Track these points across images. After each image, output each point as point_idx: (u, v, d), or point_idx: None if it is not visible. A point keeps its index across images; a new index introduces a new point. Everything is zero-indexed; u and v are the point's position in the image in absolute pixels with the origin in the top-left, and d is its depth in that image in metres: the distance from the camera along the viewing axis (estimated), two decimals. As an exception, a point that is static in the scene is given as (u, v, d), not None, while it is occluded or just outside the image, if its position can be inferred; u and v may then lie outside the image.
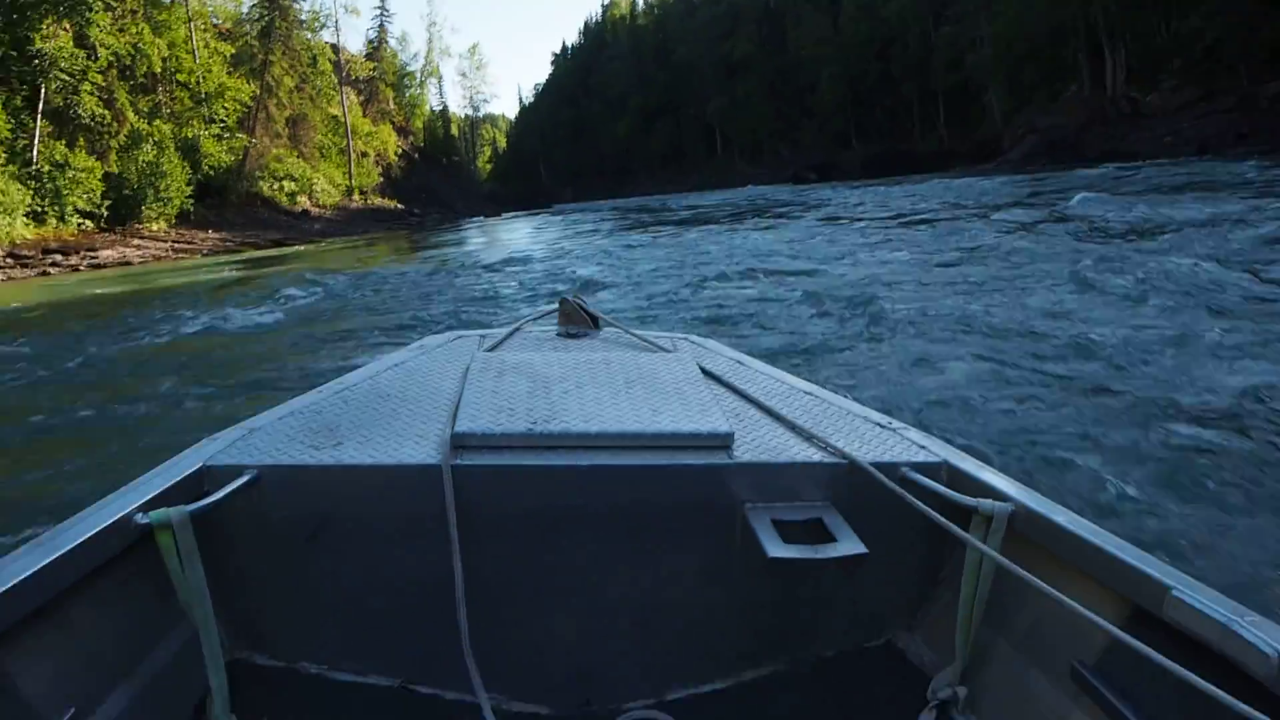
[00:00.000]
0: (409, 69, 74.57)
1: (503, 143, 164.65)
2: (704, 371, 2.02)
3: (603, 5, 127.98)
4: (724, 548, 1.63)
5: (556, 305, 2.52)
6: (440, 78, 79.67)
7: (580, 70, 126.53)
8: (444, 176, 72.41)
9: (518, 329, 2.41)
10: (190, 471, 1.53)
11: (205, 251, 33.76)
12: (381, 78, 64.55)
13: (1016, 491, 1.52)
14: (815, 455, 1.65)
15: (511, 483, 1.58)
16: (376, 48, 67.81)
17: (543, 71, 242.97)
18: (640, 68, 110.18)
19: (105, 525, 1.32)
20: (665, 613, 1.67)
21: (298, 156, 47.19)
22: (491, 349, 2.18)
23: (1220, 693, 0.97)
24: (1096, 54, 43.88)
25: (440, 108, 79.13)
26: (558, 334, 2.40)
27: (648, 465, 1.59)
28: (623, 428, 1.63)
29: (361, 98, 61.64)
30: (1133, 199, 16.19)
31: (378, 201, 54.63)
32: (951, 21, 61.25)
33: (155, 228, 34.69)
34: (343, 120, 54.19)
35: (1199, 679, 0.99)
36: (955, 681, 1.51)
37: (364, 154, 57.51)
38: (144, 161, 34.38)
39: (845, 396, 2.15)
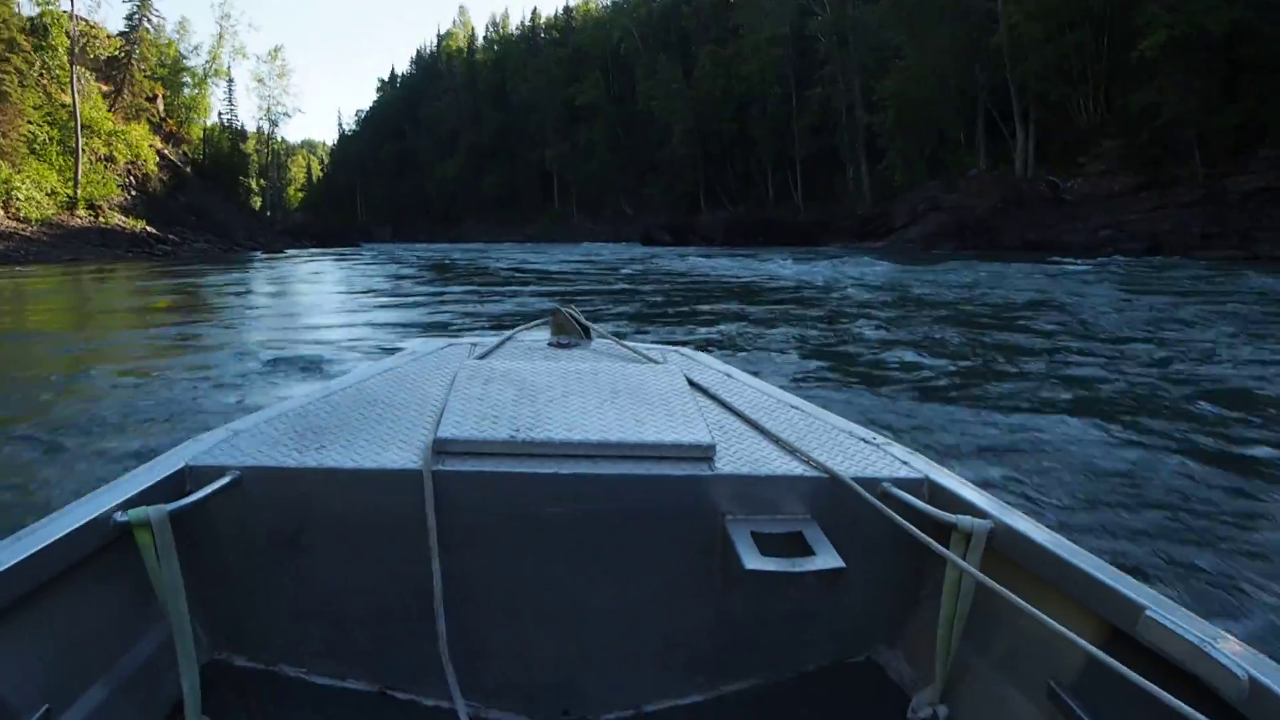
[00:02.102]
0: (187, 63, 61.58)
1: (318, 172, 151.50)
2: (691, 383, 2.03)
3: (438, 35, 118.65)
4: (704, 559, 1.62)
5: (550, 315, 2.52)
6: (231, 80, 66.38)
7: (409, 101, 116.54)
8: (224, 199, 59.93)
9: (509, 338, 2.47)
10: (172, 471, 1.53)
11: None
12: (139, 66, 51.24)
13: (996, 509, 1.54)
14: (797, 469, 1.66)
15: (492, 489, 1.58)
16: (135, 25, 54.08)
17: (367, 98, 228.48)
18: (475, 105, 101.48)
19: (84, 522, 1.31)
20: (645, 623, 1.67)
21: None
22: (481, 357, 2.21)
23: (1194, 713, 0.98)
24: (994, 130, 39.26)
25: (228, 118, 65.89)
26: (549, 344, 2.42)
27: (629, 475, 1.59)
28: (605, 437, 1.63)
29: (109, 87, 48.66)
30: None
31: (117, 221, 42.02)
32: (822, 84, 56.45)
33: None
34: (72, 111, 41.46)
35: (1172, 699, 1.00)
36: (936, 700, 1.50)
37: (109, 159, 44.74)
38: None
39: (831, 412, 2.06)
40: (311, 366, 7.11)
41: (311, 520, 1.58)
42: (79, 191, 39.86)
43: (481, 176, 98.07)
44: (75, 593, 1.32)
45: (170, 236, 43.20)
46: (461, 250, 50.10)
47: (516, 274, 22.85)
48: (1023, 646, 1.41)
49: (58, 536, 1.27)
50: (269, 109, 69.02)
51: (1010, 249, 29.65)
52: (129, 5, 52.83)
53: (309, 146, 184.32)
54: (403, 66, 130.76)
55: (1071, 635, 1.16)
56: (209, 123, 63.84)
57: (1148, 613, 1.15)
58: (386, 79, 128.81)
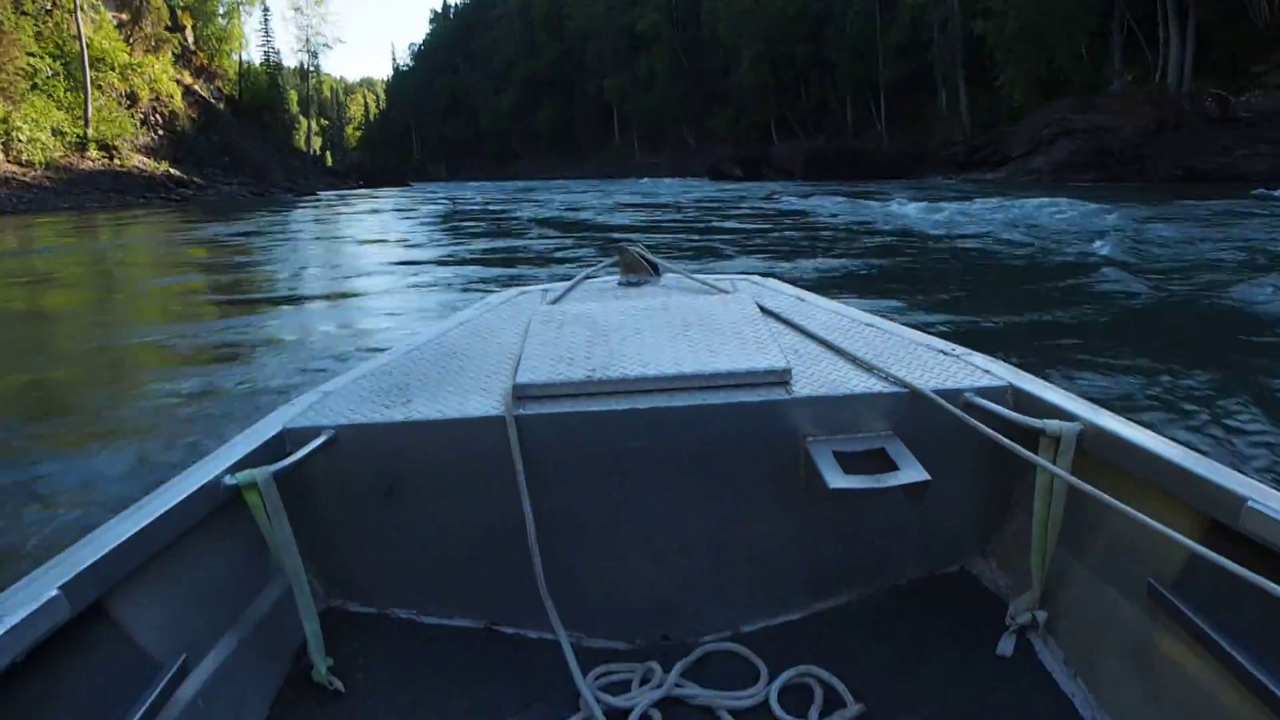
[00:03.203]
0: None
1: (375, 110, 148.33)
2: (763, 310, 2.03)
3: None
4: (788, 482, 1.64)
5: (617, 256, 2.55)
6: (267, 9, 61.82)
7: (461, 32, 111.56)
8: (262, 138, 56.25)
9: (579, 281, 2.48)
10: (271, 435, 1.59)
11: None
12: None
13: (1084, 411, 1.50)
14: (876, 386, 1.65)
15: (574, 429, 1.61)
16: None
17: (420, 30, 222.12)
18: (530, 34, 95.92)
19: (197, 488, 1.38)
20: (735, 548, 1.69)
21: None
22: (553, 302, 2.23)
23: None
24: (1131, 39, 32.77)
25: (265, 50, 61.36)
26: (619, 284, 2.44)
27: (706, 405, 1.60)
28: (680, 369, 1.65)
29: (126, 16, 44.24)
30: None
31: (136, 163, 38.48)
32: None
33: None
34: (73, 37, 37.33)
35: (1279, 589, 0.98)
36: (1033, 606, 1.50)
37: (130, 96, 41.06)
38: None
39: (908, 327, 2.03)
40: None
41: (405, 471, 1.63)
42: (89, 131, 36.23)
43: (537, 111, 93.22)
44: (197, 553, 1.39)
45: (195, 179, 39.63)
46: (507, 190, 45.67)
47: (557, 229, 18.24)
48: (1120, 547, 1.39)
49: (177, 500, 1.33)
50: (308, 39, 64.31)
51: (1168, 179, 24.07)
52: None
53: (368, 84, 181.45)
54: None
55: (1170, 532, 1.12)
56: (243, 56, 59.57)
57: (1250, 504, 1.12)
58: (440, 9, 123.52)
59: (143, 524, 1.26)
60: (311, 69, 67.00)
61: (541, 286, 2.52)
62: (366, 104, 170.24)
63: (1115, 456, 1.40)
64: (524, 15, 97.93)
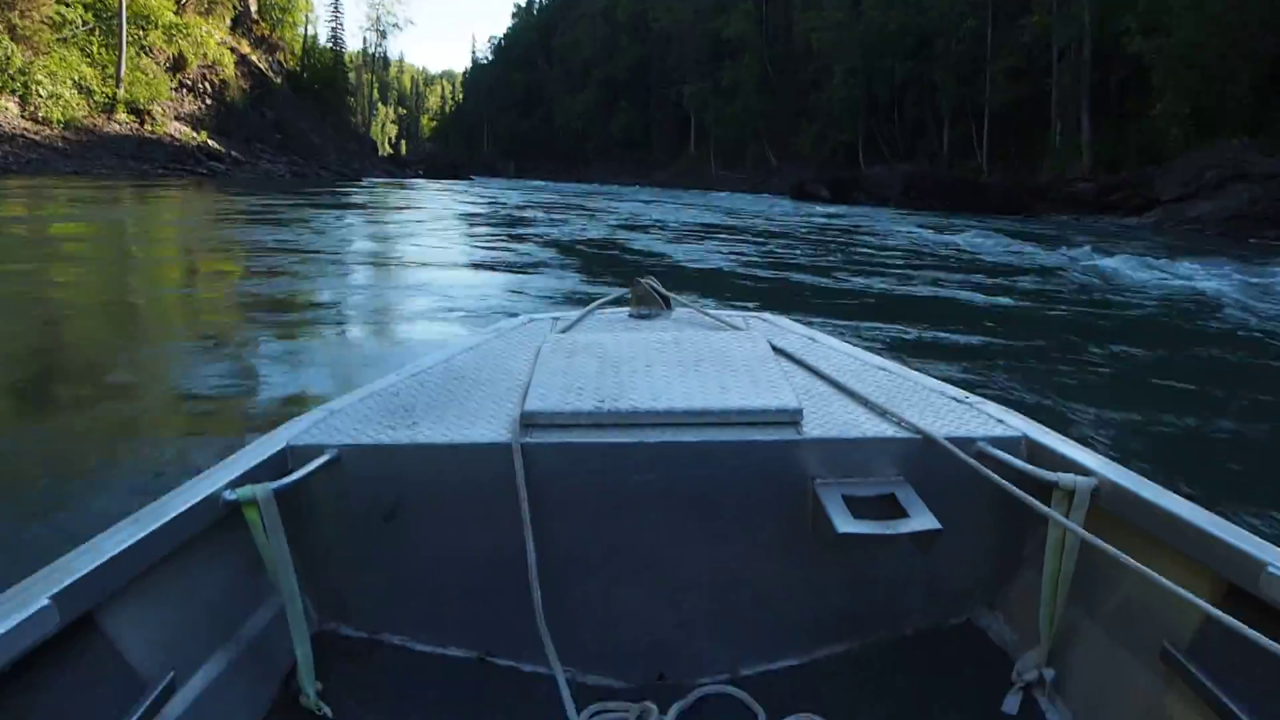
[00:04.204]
0: None
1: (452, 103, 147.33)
2: (775, 349, 2.00)
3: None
4: (795, 524, 1.62)
5: (629, 287, 2.52)
6: None
7: (543, 30, 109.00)
8: (322, 118, 53.43)
9: (590, 311, 2.46)
10: (274, 451, 1.56)
11: None
12: None
13: (1099, 465, 1.48)
14: (888, 430, 1.63)
15: (580, 460, 1.59)
16: None
17: (501, 24, 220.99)
18: (612, 34, 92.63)
19: (197, 500, 1.36)
20: (738, 589, 1.67)
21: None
22: (564, 331, 2.22)
23: None
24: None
25: (332, 27, 58.21)
26: (630, 315, 2.43)
27: (716, 441, 1.58)
28: (690, 404, 1.62)
29: None
30: None
31: (170, 130, 35.51)
32: (1035, 13, 44.83)
33: None
34: None
35: None
36: (1041, 663, 1.47)
37: (177, 60, 38.22)
38: None
39: (921, 372, 1.99)
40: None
41: (407, 495, 1.60)
42: (120, 91, 33.27)
43: (612, 115, 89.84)
44: (192, 567, 1.37)
45: (232, 153, 36.61)
46: (566, 193, 41.84)
47: (604, 264, 14.03)
48: (1133, 607, 1.37)
49: (175, 514, 1.31)
50: (379, 18, 61.23)
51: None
52: None
53: (448, 76, 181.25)
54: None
55: (1186, 594, 1.11)
56: (309, 31, 56.75)
57: (1270, 568, 1.10)
58: (523, 4, 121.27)
59: (140, 535, 1.24)
60: (379, 49, 63.78)
61: (552, 314, 2.46)
62: (444, 95, 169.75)
63: (1130, 513, 1.37)
64: (607, 16, 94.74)
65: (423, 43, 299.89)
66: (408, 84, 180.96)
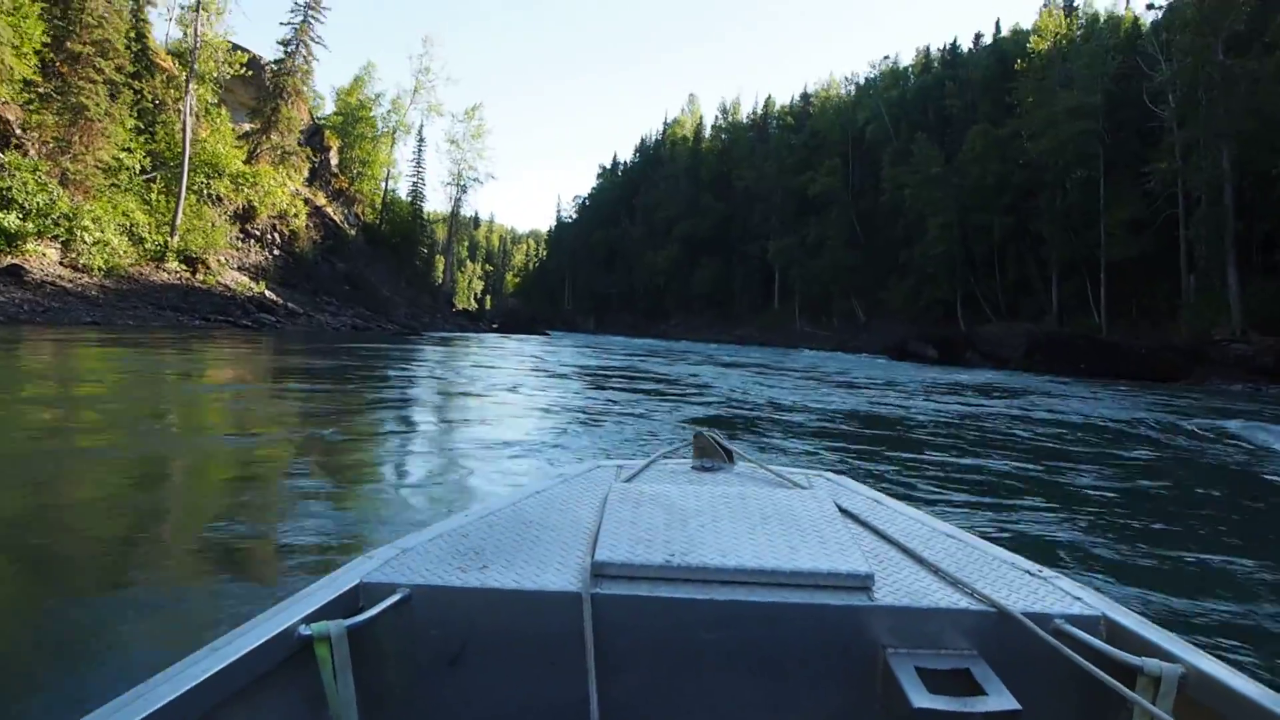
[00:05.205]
0: (367, 110, 54.28)
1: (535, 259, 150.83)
2: (841, 510, 1.97)
3: (664, 123, 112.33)
4: (864, 694, 1.54)
5: (691, 439, 2.51)
6: (422, 140, 58.87)
7: (627, 188, 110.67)
8: (396, 271, 52.30)
9: (653, 461, 2.44)
10: (348, 588, 1.54)
11: None
12: (285, 97, 41.59)
13: (1183, 651, 1.40)
14: (961, 601, 1.56)
15: (649, 614, 1.55)
16: (291, 51, 43.51)
17: (585, 185, 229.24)
18: (695, 192, 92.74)
19: (272, 635, 1.34)
20: None
21: (47, 172, 26.25)
22: (628, 480, 2.20)
23: None
24: None
25: (414, 180, 57.84)
26: (692, 467, 2.40)
27: (785, 603, 1.53)
28: (760, 564, 1.58)
29: (256, 125, 40.74)
30: None
31: (228, 280, 33.71)
32: (1163, 158, 41.01)
33: None
34: (181, 135, 33.05)
35: None
36: None
37: (247, 210, 37.16)
38: None
39: (989, 541, 1.91)
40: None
41: (474, 639, 1.57)
42: (174, 240, 31.67)
43: (694, 270, 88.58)
44: (261, 703, 1.34)
45: (288, 305, 34.55)
46: (637, 349, 38.45)
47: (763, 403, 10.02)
48: None
49: (251, 647, 1.30)
50: (460, 173, 61.15)
51: None
52: (290, 26, 43.97)
53: (534, 236, 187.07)
54: (626, 154, 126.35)
55: None
56: (388, 185, 56.51)
57: None
58: (608, 166, 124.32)
59: (220, 666, 1.23)
60: (459, 203, 63.53)
61: (616, 462, 2.41)
62: (529, 252, 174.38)
63: (1220, 705, 1.29)
64: (691, 175, 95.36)
65: (513, 204, 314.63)
66: (495, 242, 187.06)
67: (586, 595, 1.51)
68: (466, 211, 72.52)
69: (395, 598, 1.52)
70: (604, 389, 13.58)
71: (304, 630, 1.38)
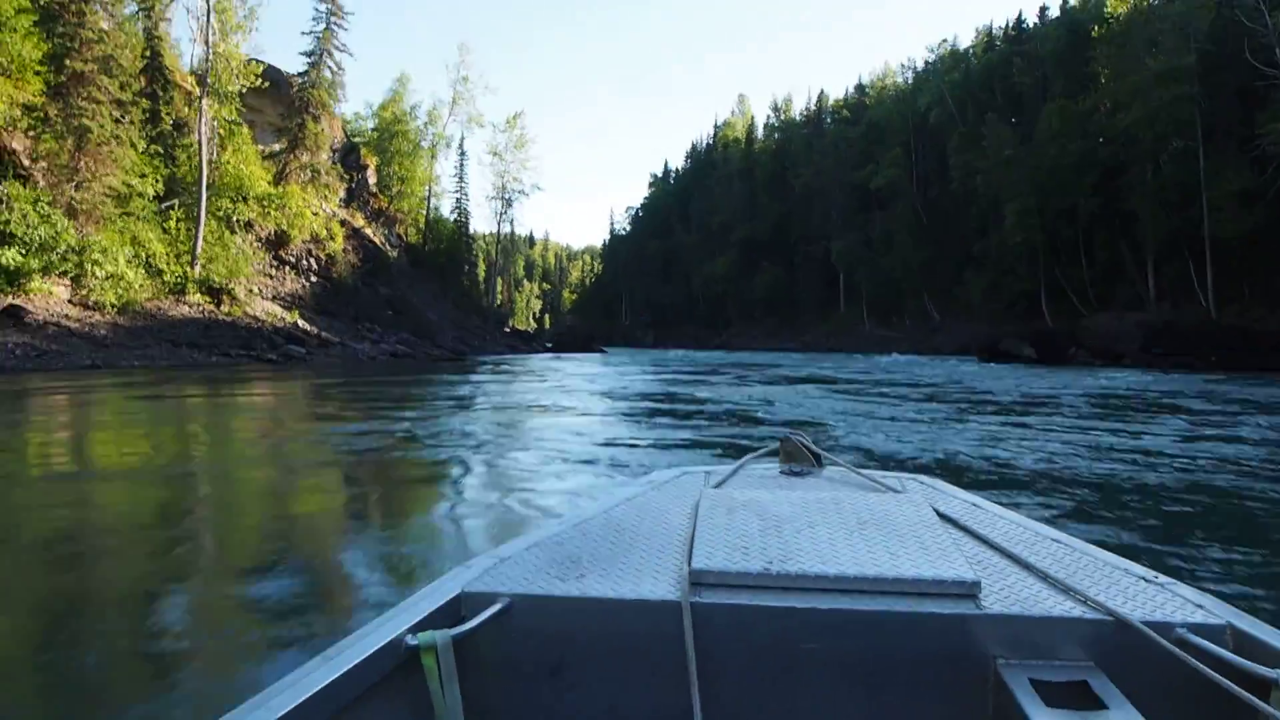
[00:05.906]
0: (406, 127, 51.61)
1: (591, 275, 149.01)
2: (938, 514, 1.89)
3: (715, 126, 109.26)
4: (974, 707, 1.49)
5: (778, 443, 2.47)
6: (464, 154, 56.52)
7: (680, 196, 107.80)
8: (442, 293, 50.18)
9: (742, 465, 2.41)
10: (450, 597, 1.56)
11: None
12: (312, 112, 39.09)
13: None
14: (1074, 609, 1.49)
15: (748, 622, 1.53)
16: (315, 62, 40.64)
17: (637, 197, 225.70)
18: (751, 194, 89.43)
19: (381, 645, 1.36)
20: None
21: (50, 202, 24.33)
22: (717, 485, 2.17)
23: None
24: None
25: (457, 195, 55.71)
26: (780, 472, 2.36)
27: (889, 611, 1.49)
28: (861, 571, 1.55)
29: (282, 144, 38.55)
30: None
31: (258, 310, 31.66)
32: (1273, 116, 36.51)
33: None
34: (198, 157, 30.97)
35: None
36: None
37: (279, 235, 35.28)
38: None
39: (1099, 546, 1.82)
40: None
41: (573, 648, 1.56)
42: (195, 269, 29.70)
43: (754, 275, 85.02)
44: (371, 713, 1.35)
45: (321, 334, 32.35)
46: (702, 367, 35.40)
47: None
48: None
49: (363, 657, 1.31)
50: (504, 185, 58.78)
51: None
52: (312, 35, 41.41)
53: (589, 252, 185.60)
54: (677, 161, 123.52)
55: None
56: (431, 203, 54.26)
57: None
58: (660, 174, 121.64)
59: (333, 676, 1.25)
60: (504, 216, 61.15)
61: (704, 468, 2.40)
62: (584, 269, 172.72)
63: None
64: (745, 177, 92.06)
65: (566, 221, 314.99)
66: (551, 260, 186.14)
67: (686, 604, 1.48)
68: (520, 230, 70.31)
69: (497, 607, 1.51)
70: (614, 445, 10.51)
71: (410, 640, 1.37)
